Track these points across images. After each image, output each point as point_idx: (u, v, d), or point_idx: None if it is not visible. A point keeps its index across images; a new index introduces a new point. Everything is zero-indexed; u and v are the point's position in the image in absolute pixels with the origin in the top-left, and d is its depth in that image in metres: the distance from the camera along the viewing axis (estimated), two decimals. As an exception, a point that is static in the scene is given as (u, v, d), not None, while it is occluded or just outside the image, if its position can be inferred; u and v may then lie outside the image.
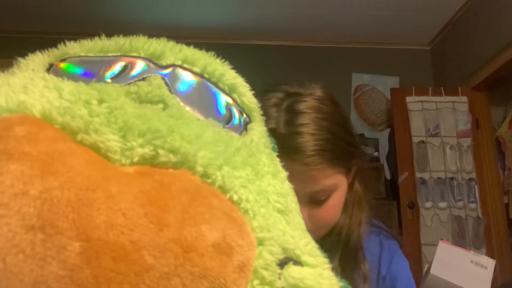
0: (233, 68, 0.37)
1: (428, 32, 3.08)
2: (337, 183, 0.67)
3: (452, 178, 2.58)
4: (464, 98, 2.68)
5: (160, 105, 0.29)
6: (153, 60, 0.33)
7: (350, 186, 0.73)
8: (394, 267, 0.76)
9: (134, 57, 0.33)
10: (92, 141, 0.23)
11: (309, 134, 0.63)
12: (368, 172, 0.80)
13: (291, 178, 0.65)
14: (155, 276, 0.19)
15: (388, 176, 2.88)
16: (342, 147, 0.67)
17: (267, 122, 0.65)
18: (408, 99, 2.71)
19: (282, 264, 0.25)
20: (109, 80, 0.31)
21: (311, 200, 0.65)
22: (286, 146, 0.61)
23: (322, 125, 0.65)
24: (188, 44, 0.36)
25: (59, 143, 0.22)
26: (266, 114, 0.66)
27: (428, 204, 2.55)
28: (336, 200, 0.68)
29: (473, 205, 2.55)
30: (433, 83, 3.04)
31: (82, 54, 0.34)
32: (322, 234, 0.71)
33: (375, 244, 0.78)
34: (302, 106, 0.66)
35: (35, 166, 0.20)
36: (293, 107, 0.66)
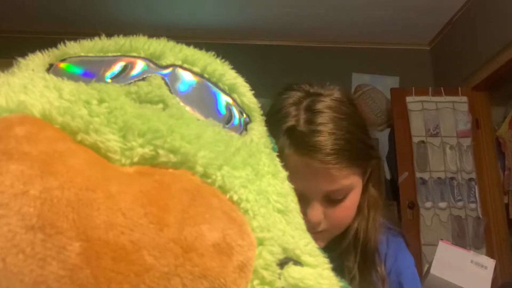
0: (233, 68, 0.37)
1: (428, 32, 3.08)
2: (353, 184, 0.68)
3: (452, 178, 2.58)
4: (464, 98, 2.68)
5: (160, 105, 0.29)
6: (153, 60, 0.33)
7: (365, 188, 0.74)
8: (399, 262, 0.77)
9: (134, 57, 0.33)
10: (92, 141, 0.23)
11: (328, 133, 0.64)
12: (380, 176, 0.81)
13: (309, 176, 0.64)
14: (155, 276, 0.19)
15: (388, 176, 2.88)
16: (360, 148, 0.68)
17: (285, 119, 0.66)
18: (408, 99, 2.71)
19: (282, 264, 0.25)
20: (109, 80, 0.31)
21: (327, 199, 0.66)
22: (306, 143, 0.63)
23: (341, 125, 0.65)
24: (188, 44, 0.36)
25: (59, 143, 0.22)
26: (284, 112, 0.67)
27: (428, 204, 2.55)
28: (352, 201, 0.69)
29: (473, 205, 2.55)
30: (433, 83, 3.04)
31: (82, 54, 0.34)
32: (336, 234, 0.71)
33: (382, 242, 0.78)
34: (321, 106, 0.66)
35: (35, 166, 0.20)
36: (312, 106, 0.67)
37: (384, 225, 0.79)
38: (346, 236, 0.73)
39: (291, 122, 0.65)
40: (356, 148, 0.67)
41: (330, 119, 0.65)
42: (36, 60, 0.33)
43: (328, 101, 0.67)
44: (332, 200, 0.66)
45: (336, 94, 0.70)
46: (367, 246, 0.73)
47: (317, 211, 0.65)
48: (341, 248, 0.72)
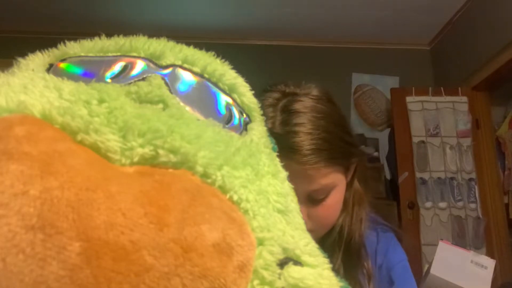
0: (233, 68, 0.37)
1: (428, 32, 3.08)
2: (335, 182, 0.67)
3: (452, 178, 2.58)
4: (464, 98, 2.68)
5: (160, 105, 0.29)
6: (153, 60, 0.33)
7: (349, 184, 0.74)
8: (389, 257, 0.77)
9: (134, 57, 0.33)
10: (92, 141, 0.23)
11: (305, 134, 0.63)
12: (368, 172, 0.80)
13: (289, 178, 0.65)
14: (155, 276, 0.19)
15: (388, 176, 2.88)
16: (339, 146, 0.67)
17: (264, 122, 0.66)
18: (408, 99, 2.71)
19: (282, 264, 0.25)
20: (109, 80, 0.31)
21: (309, 199, 0.65)
22: (283, 145, 0.62)
23: (319, 124, 0.65)
24: (188, 44, 0.36)
25: (59, 143, 0.22)
26: (263, 114, 0.67)
27: (428, 204, 2.55)
28: (335, 199, 0.68)
29: (473, 205, 2.55)
30: (433, 83, 3.04)
31: (82, 54, 0.34)
32: (322, 233, 0.71)
33: (372, 237, 0.78)
34: (298, 106, 0.66)
35: (35, 166, 0.20)
36: (289, 106, 0.66)
37: (373, 221, 0.79)
38: (331, 233, 0.73)
39: (268, 124, 0.64)
40: (335, 147, 0.66)
41: (307, 119, 0.64)
42: (36, 60, 0.32)
43: (304, 100, 0.67)
44: (314, 200, 0.66)
45: (314, 92, 0.69)
46: (351, 241, 0.73)
47: (301, 213, 0.64)
48: (326, 245, 0.72)
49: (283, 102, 0.67)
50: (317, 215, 0.66)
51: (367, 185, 0.79)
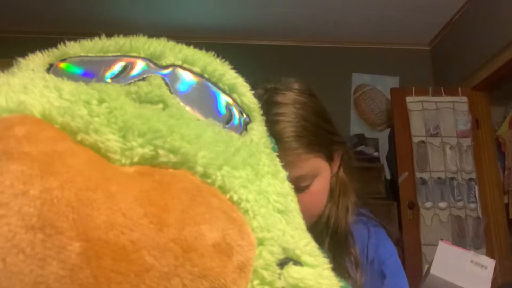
0: (233, 68, 0.37)
1: (428, 32, 3.08)
2: (317, 169, 0.70)
3: (452, 178, 2.58)
4: (464, 98, 2.68)
5: (160, 105, 0.29)
6: (153, 60, 0.33)
7: (336, 174, 0.77)
8: (381, 251, 0.79)
9: (134, 57, 0.33)
10: (92, 141, 0.23)
11: (285, 122, 0.67)
12: (353, 162, 0.82)
13: None
14: (155, 276, 0.19)
15: (388, 176, 2.88)
16: (318, 133, 0.70)
17: None
18: (408, 99, 2.71)
19: (282, 264, 0.25)
20: (109, 80, 0.31)
21: (294, 188, 0.67)
22: None
23: (298, 113, 0.69)
24: (188, 44, 0.36)
25: (59, 143, 0.22)
26: None
27: (428, 204, 2.55)
28: (319, 187, 0.70)
29: (473, 205, 2.55)
30: (433, 83, 3.04)
31: (82, 54, 0.34)
32: (310, 223, 0.72)
33: (364, 232, 0.80)
34: (279, 98, 0.69)
35: (35, 166, 0.20)
36: (271, 99, 0.69)
37: (361, 214, 0.81)
38: (319, 222, 0.74)
39: None
40: (315, 134, 0.69)
41: (288, 109, 0.68)
42: (36, 60, 0.32)
43: (285, 93, 0.70)
44: (299, 187, 0.67)
45: (295, 86, 0.73)
46: (338, 230, 0.75)
47: None
48: (314, 235, 0.73)
49: (266, 96, 0.70)
50: (303, 203, 0.67)
51: (352, 175, 0.81)
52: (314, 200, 0.71)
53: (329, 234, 0.74)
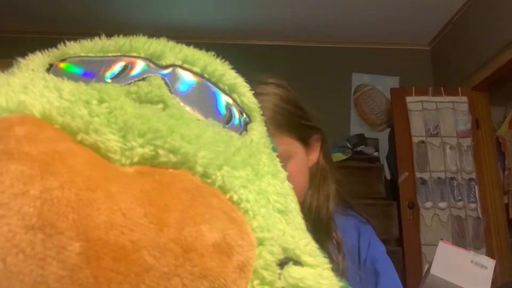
0: (233, 68, 0.37)
1: (428, 32, 3.08)
2: (290, 151, 0.71)
3: (452, 178, 2.58)
4: (464, 98, 2.68)
5: (160, 105, 0.29)
6: (153, 60, 0.33)
7: (316, 162, 0.79)
8: (372, 249, 0.80)
9: (134, 57, 0.33)
10: (92, 141, 0.23)
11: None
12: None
13: None
14: (155, 276, 0.19)
15: (388, 176, 2.88)
16: (288, 117, 0.73)
17: None
18: (408, 99, 2.71)
19: (282, 264, 0.25)
20: (109, 80, 0.31)
21: None
22: None
23: (270, 100, 0.72)
24: (188, 44, 0.36)
25: (59, 143, 0.22)
26: None
27: (428, 204, 2.55)
28: (294, 169, 0.71)
29: (473, 205, 2.55)
30: (433, 83, 3.04)
31: (82, 54, 0.34)
32: None
33: (353, 229, 0.82)
34: (256, 89, 0.73)
35: (35, 166, 0.20)
36: None
37: (349, 212, 0.83)
38: (301, 210, 0.76)
39: None
40: (284, 117, 0.72)
41: (261, 97, 0.71)
42: (36, 60, 0.32)
43: (260, 86, 0.73)
44: None
45: (269, 80, 0.76)
46: (319, 216, 0.76)
47: None
48: None
49: None
50: None
51: (332, 164, 0.84)
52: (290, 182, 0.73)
53: (311, 221, 0.75)
